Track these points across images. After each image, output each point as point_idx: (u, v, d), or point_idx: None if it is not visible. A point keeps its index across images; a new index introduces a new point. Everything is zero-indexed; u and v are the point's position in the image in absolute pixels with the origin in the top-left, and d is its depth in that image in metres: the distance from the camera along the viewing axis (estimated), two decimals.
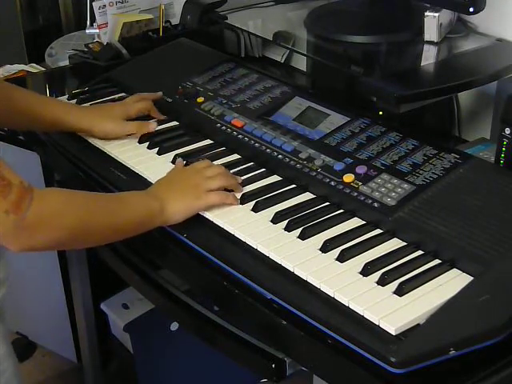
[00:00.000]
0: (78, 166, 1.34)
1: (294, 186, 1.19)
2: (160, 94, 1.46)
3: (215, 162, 1.26)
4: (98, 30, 1.80)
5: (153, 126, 1.35)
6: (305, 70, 1.72)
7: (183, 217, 1.11)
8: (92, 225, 1.03)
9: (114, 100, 1.51)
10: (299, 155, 1.22)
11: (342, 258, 1.00)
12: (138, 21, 1.78)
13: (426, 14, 1.39)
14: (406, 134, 1.21)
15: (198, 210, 1.13)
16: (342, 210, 1.12)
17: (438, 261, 0.99)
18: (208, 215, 1.12)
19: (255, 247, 1.05)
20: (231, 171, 1.23)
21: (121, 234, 1.09)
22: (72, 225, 1.00)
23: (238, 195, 1.16)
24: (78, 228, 1.01)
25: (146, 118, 1.41)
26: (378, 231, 1.07)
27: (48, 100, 1.41)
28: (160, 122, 1.41)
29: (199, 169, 1.18)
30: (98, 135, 1.35)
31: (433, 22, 1.39)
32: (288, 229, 1.08)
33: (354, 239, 1.05)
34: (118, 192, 1.20)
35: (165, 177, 1.19)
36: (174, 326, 1.85)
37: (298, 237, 1.06)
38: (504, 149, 1.15)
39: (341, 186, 1.14)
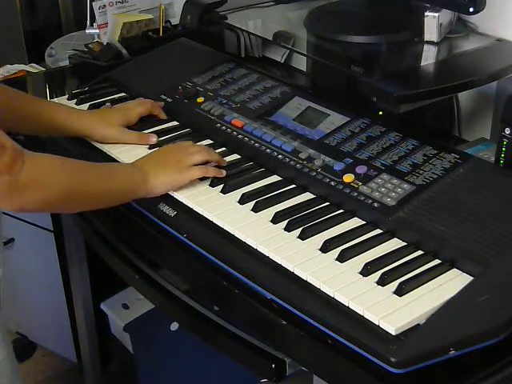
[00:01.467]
0: None
1: (294, 186, 1.19)
2: (161, 104, 1.45)
3: None
4: (97, 30, 1.80)
5: (153, 140, 1.34)
6: (305, 70, 1.72)
7: (165, 190, 1.18)
8: (80, 189, 1.09)
9: (114, 100, 1.51)
10: (299, 155, 1.22)
11: (342, 258, 1.00)
12: (137, 21, 1.78)
13: (425, 13, 1.39)
14: (406, 134, 1.22)
15: (180, 184, 1.18)
16: (341, 210, 1.12)
17: (437, 261, 0.99)
18: (208, 215, 1.13)
19: (255, 247, 1.05)
20: (231, 171, 1.23)
21: (107, 201, 1.15)
22: (61, 187, 1.06)
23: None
24: (67, 191, 1.07)
25: (150, 117, 1.41)
26: (377, 231, 1.07)
27: (47, 103, 1.41)
28: (160, 122, 1.42)
29: (182, 146, 1.24)
30: (98, 140, 1.35)
31: (433, 22, 1.39)
32: (288, 229, 1.08)
33: (354, 239, 1.05)
34: (108, 162, 1.27)
35: (150, 153, 1.26)
36: (174, 326, 1.85)
37: (298, 237, 1.06)
38: (504, 149, 1.15)
39: (341, 186, 1.14)
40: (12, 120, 1.29)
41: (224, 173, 1.21)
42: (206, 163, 1.21)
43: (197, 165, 1.20)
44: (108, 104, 1.47)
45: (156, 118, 1.42)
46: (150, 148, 1.32)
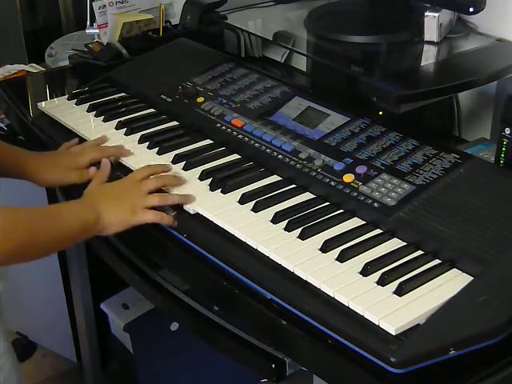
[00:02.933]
0: None
1: (294, 185, 1.19)
2: (120, 150, 1.32)
3: (215, 162, 1.26)
4: (97, 30, 1.80)
5: (92, 172, 1.26)
6: (305, 70, 1.72)
7: (118, 229, 1.13)
8: (35, 239, 1.04)
9: (114, 100, 1.51)
10: (299, 155, 1.22)
11: (342, 258, 1.00)
12: (137, 21, 1.78)
13: (425, 13, 1.39)
14: (406, 134, 1.21)
15: (134, 225, 1.13)
16: (341, 210, 1.12)
17: (437, 261, 0.99)
18: (208, 215, 1.12)
19: (255, 247, 1.05)
20: (231, 171, 1.23)
21: (61, 245, 1.14)
22: (13, 246, 1.01)
23: (182, 190, 1.17)
24: (20, 247, 1.02)
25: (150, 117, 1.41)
26: (377, 231, 1.07)
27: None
28: (160, 122, 1.42)
29: (136, 180, 1.18)
30: (41, 185, 1.30)
31: (433, 22, 1.39)
32: (288, 229, 1.07)
33: (354, 239, 1.05)
34: (57, 204, 1.21)
35: (102, 187, 1.20)
36: (174, 326, 1.85)
37: (298, 237, 1.06)
38: (504, 149, 1.15)
39: (341, 186, 1.14)
40: None
41: (176, 222, 1.14)
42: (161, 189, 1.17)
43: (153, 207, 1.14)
44: (75, 139, 1.38)
45: (158, 118, 1.41)
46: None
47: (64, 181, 1.29)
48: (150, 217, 1.13)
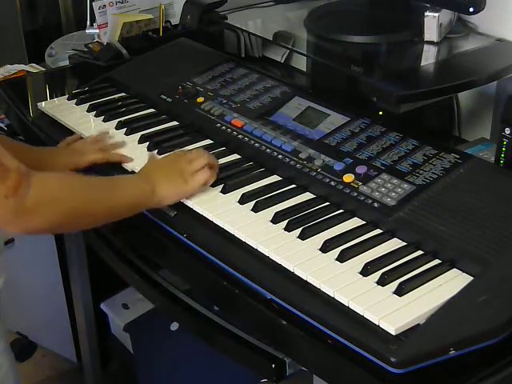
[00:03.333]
0: None
1: (294, 185, 1.19)
2: (122, 157, 1.31)
3: None
4: (97, 30, 1.80)
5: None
6: (305, 70, 1.72)
7: (174, 201, 1.15)
8: (88, 208, 1.06)
9: (114, 100, 1.51)
10: (299, 155, 1.22)
11: (342, 258, 1.00)
12: (137, 21, 1.78)
13: (425, 13, 1.39)
14: (406, 134, 1.21)
15: (188, 194, 1.16)
16: (341, 210, 1.12)
17: (437, 261, 0.99)
18: (208, 215, 1.13)
19: (255, 247, 1.05)
20: (231, 171, 1.23)
21: (115, 216, 1.13)
22: (69, 208, 1.03)
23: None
24: (75, 211, 1.04)
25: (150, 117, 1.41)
26: (377, 231, 1.07)
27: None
28: (160, 122, 1.42)
29: (181, 154, 1.22)
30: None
31: (433, 22, 1.39)
32: (288, 229, 1.07)
33: (354, 239, 1.05)
34: (112, 176, 1.23)
35: (152, 162, 1.23)
36: (174, 326, 1.85)
37: (298, 237, 1.06)
38: (504, 149, 1.15)
39: (341, 186, 1.14)
40: None
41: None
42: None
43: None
44: (77, 135, 1.39)
45: (158, 118, 1.41)
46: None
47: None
48: (202, 178, 1.16)
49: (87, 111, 1.48)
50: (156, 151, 1.31)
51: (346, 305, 0.92)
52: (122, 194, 1.13)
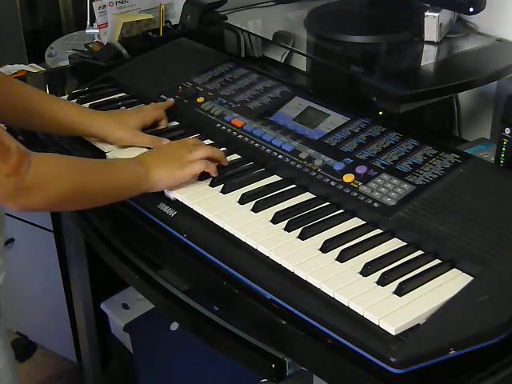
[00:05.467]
0: None
1: (294, 185, 1.19)
2: (172, 101, 1.45)
3: None
4: (97, 30, 1.80)
5: (165, 142, 1.33)
6: (305, 70, 1.72)
7: (167, 185, 1.18)
8: (85, 187, 1.10)
9: (114, 100, 1.51)
10: (299, 155, 1.22)
11: (342, 258, 1.00)
12: (138, 21, 1.78)
13: (425, 13, 1.39)
14: (406, 134, 1.21)
15: (182, 179, 1.18)
16: (341, 210, 1.12)
17: (437, 261, 0.99)
18: (208, 215, 1.13)
19: (255, 247, 1.05)
20: (231, 171, 1.23)
21: (110, 198, 1.16)
22: (67, 187, 1.06)
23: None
24: (72, 190, 1.07)
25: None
26: (377, 231, 1.07)
27: (64, 103, 1.40)
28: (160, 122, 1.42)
29: (185, 142, 1.26)
30: (111, 142, 1.35)
31: (433, 22, 1.39)
32: (288, 229, 1.07)
33: (354, 239, 1.05)
34: (112, 159, 1.28)
35: (152, 149, 1.27)
36: (174, 326, 1.85)
37: (298, 237, 1.06)
38: (504, 149, 1.15)
39: (341, 186, 1.14)
40: (26, 118, 1.31)
41: (226, 163, 1.24)
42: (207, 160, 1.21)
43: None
44: (123, 108, 1.46)
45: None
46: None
47: (134, 141, 1.34)
48: (197, 167, 1.18)
49: None
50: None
51: (346, 305, 0.92)
52: (118, 176, 1.16)
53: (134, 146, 1.33)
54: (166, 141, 1.33)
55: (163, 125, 1.40)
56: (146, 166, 1.17)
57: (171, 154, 1.21)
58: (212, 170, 1.20)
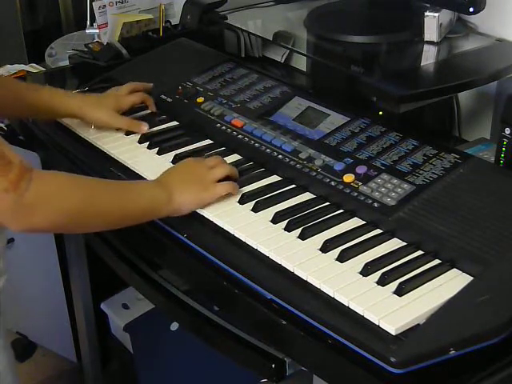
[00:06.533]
0: (78, 165, 1.34)
1: (294, 185, 1.19)
2: (151, 85, 1.47)
3: None
4: (97, 30, 1.80)
5: (143, 128, 1.36)
6: (305, 70, 1.72)
7: (192, 208, 1.13)
8: (93, 208, 1.04)
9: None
10: (299, 155, 1.22)
11: (342, 258, 1.00)
12: (138, 21, 1.78)
13: (425, 13, 1.39)
14: (406, 134, 1.21)
15: (208, 202, 1.13)
16: (341, 210, 1.12)
17: (437, 261, 0.99)
18: (208, 215, 1.12)
19: (255, 247, 1.05)
20: None
21: (128, 220, 1.10)
22: (70, 206, 1.01)
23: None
24: (77, 210, 1.02)
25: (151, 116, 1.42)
26: (377, 231, 1.07)
27: (38, 87, 1.41)
28: (160, 122, 1.42)
29: (200, 160, 1.19)
30: (88, 121, 1.37)
31: (433, 22, 1.39)
32: (288, 229, 1.07)
33: (354, 239, 1.05)
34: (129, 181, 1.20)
35: (171, 168, 1.19)
36: (174, 326, 1.85)
37: (298, 237, 1.06)
38: (504, 149, 1.15)
39: (341, 186, 1.14)
40: (7, 107, 1.32)
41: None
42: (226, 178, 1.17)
43: (220, 180, 1.16)
44: (116, 87, 1.46)
45: (158, 118, 1.42)
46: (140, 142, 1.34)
47: (111, 122, 1.36)
48: (222, 189, 1.14)
49: None
50: (156, 151, 1.31)
51: (346, 305, 0.92)
52: (136, 198, 1.09)
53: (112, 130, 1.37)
54: (144, 125, 1.35)
55: (151, 109, 1.42)
56: (168, 188, 1.11)
57: (192, 174, 1.15)
58: (236, 191, 1.16)
